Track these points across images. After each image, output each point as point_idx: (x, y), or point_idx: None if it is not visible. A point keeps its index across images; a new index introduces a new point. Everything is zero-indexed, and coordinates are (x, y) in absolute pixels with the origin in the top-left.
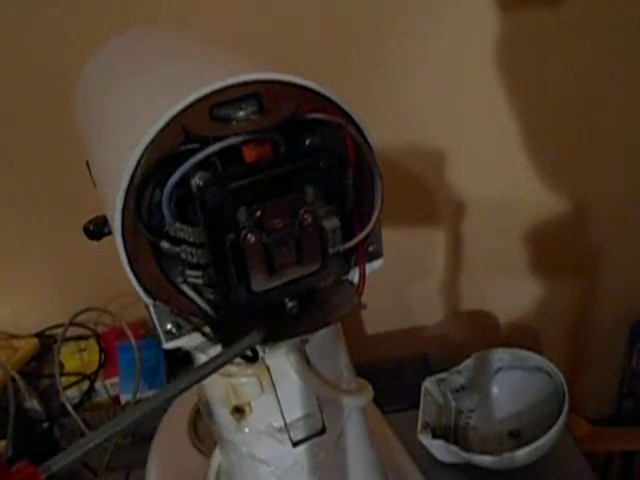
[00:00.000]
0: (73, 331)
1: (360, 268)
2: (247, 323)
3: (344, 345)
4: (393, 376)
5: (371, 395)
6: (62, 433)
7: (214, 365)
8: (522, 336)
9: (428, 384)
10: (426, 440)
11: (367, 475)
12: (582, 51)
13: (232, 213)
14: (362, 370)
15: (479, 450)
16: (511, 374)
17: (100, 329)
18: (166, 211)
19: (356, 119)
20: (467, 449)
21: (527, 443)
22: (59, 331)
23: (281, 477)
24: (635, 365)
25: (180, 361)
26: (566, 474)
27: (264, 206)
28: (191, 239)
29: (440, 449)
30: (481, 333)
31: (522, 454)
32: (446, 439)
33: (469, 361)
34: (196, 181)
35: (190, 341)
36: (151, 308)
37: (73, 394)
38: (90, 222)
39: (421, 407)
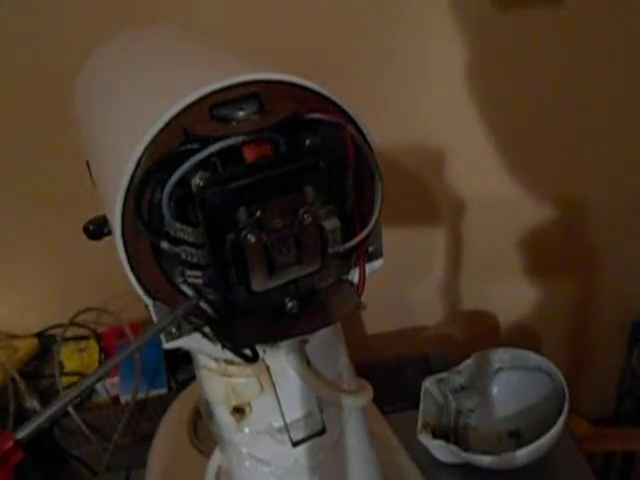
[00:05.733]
0: (73, 331)
1: (360, 268)
2: (247, 323)
3: (344, 345)
4: (393, 376)
5: (371, 395)
6: (62, 433)
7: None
8: (522, 336)
9: (428, 384)
10: (426, 440)
11: (367, 475)
12: (582, 51)
13: (232, 213)
14: (362, 370)
15: (479, 450)
16: (511, 374)
17: (100, 329)
18: (166, 211)
19: (356, 119)
20: (467, 449)
21: (527, 443)
22: (59, 331)
23: (281, 477)
24: (635, 365)
25: (180, 361)
26: (566, 474)
27: (264, 206)
28: (191, 239)
29: (440, 449)
30: (481, 333)
31: (522, 454)
32: (446, 439)
33: (469, 361)
34: (196, 181)
35: (190, 341)
36: (151, 308)
37: None
38: (90, 222)
39: (421, 407)
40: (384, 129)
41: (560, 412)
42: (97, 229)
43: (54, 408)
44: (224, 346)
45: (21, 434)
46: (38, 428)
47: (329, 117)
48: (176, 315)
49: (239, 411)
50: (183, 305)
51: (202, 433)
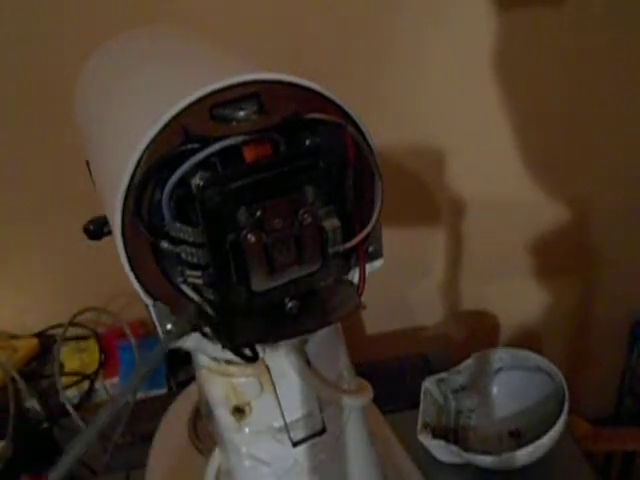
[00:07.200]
0: (73, 331)
1: (360, 268)
2: (247, 323)
3: (344, 345)
4: (393, 376)
5: (371, 395)
6: (62, 433)
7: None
8: (522, 336)
9: (428, 384)
10: (426, 440)
11: (367, 475)
12: (582, 51)
13: (232, 213)
14: (362, 370)
15: (479, 450)
16: (511, 374)
17: (100, 329)
18: (166, 211)
19: (356, 119)
20: (467, 449)
21: (527, 443)
22: (59, 331)
23: (281, 477)
24: (635, 365)
25: (180, 361)
26: (566, 474)
27: (264, 206)
28: (191, 239)
29: (440, 449)
30: (481, 333)
31: (522, 454)
32: (446, 439)
33: (469, 361)
34: (196, 181)
35: (190, 341)
36: (151, 308)
37: (73, 394)
38: (90, 222)
39: (421, 407)
40: (384, 129)
41: (560, 412)
42: (97, 229)
43: (80, 447)
44: (224, 346)
45: (53, 477)
46: (70, 468)
47: (329, 117)
48: (184, 323)
49: (239, 411)
50: (186, 313)
51: (202, 433)
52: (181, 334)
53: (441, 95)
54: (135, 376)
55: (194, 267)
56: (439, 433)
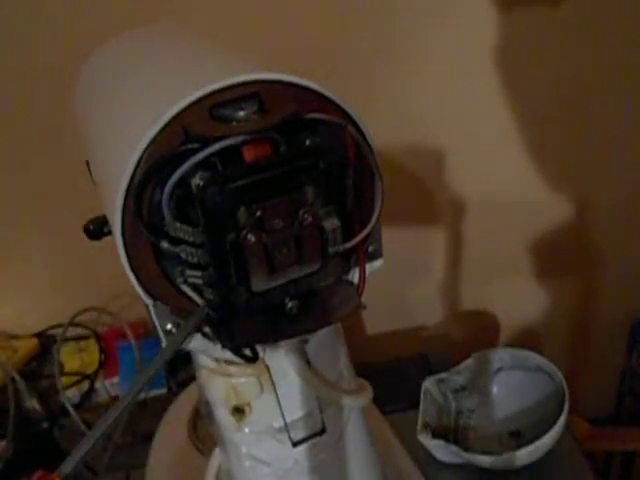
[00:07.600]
0: (73, 331)
1: (360, 268)
2: (247, 323)
3: (344, 345)
4: (393, 376)
5: (371, 395)
6: (62, 433)
7: (173, 344)
8: (522, 336)
9: (428, 384)
10: (426, 440)
11: (367, 475)
12: (582, 51)
13: (232, 213)
14: (362, 370)
15: (479, 450)
16: (511, 374)
17: (100, 329)
18: (166, 211)
19: (356, 119)
20: (467, 449)
21: (527, 443)
22: (59, 331)
23: (281, 477)
24: (635, 365)
25: (180, 361)
26: (566, 474)
27: (264, 206)
28: (191, 239)
29: (440, 449)
30: (481, 333)
31: (522, 454)
32: (446, 439)
33: (469, 361)
34: (196, 181)
35: (190, 341)
36: (151, 308)
37: (73, 394)
38: (90, 222)
39: (421, 407)
40: (384, 129)
41: (560, 412)
42: (97, 229)
43: (91, 442)
44: (224, 346)
45: (65, 470)
46: (82, 463)
47: (329, 117)
48: (191, 325)
49: (239, 411)
50: (195, 315)
51: (202, 433)
52: (186, 336)
53: (441, 95)
54: (139, 378)
55: (194, 267)
56: (439, 433)
